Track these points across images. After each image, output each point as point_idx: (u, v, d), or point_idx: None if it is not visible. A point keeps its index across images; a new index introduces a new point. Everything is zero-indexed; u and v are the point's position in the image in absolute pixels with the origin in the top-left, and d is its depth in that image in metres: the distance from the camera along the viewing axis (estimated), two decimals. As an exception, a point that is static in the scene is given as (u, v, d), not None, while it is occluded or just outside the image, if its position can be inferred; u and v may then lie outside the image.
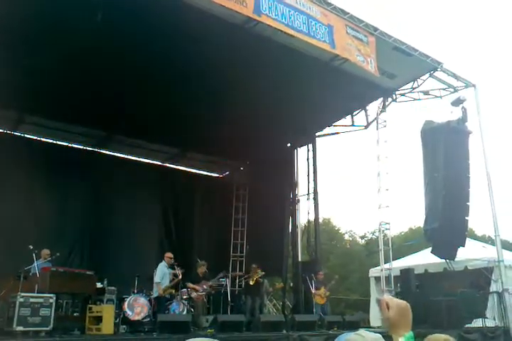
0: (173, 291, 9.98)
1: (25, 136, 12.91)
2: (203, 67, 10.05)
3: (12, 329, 6.43)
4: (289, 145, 15.48)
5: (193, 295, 9.96)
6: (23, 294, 6.70)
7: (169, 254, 10.23)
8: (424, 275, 12.89)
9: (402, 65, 11.70)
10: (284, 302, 14.32)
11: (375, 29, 10.73)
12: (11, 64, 9.24)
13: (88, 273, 8.53)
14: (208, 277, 10.28)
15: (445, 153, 11.77)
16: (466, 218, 11.93)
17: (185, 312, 9.75)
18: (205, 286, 10.06)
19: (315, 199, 14.43)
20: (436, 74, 12.45)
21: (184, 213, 15.11)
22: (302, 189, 14.95)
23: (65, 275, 7.91)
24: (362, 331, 1.80)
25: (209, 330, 8.53)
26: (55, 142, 13.36)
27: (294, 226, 14.71)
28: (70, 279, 7.89)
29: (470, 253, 12.26)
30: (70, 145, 13.62)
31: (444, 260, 11.96)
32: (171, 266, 10.11)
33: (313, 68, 11.06)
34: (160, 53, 9.75)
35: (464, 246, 11.78)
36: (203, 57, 9.80)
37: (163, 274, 9.85)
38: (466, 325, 10.52)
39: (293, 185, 14.98)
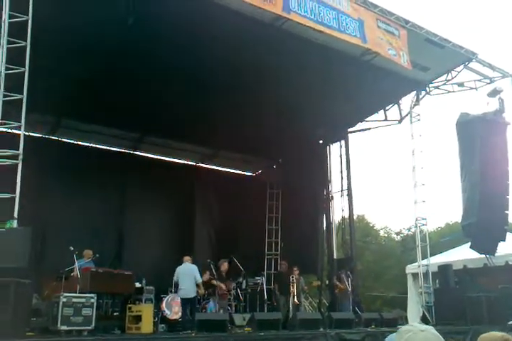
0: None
1: (62, 139, 13.18)
2: (234, 66, 10.07)
3: (57, 329, 6.61)
4: (321, 142, 15.34)
5: (220, 292, 10.08)
6: (65, 294, 6.87)
7: (188, 257, 10.25)
8: (463, 271, 12.61)
9: (435, 57, 11.46)
10: (321, 300, 14.25)
11: (407, 22, 10.55)
12: (50, 71, 9.45)
13: (127, 273, 8.65)
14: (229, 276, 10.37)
15: (482, 146, 11.48)
16: (506, 212, 11.62)
17: (221, 311, 9.83)
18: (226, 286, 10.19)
19: (349, 195, 14.29)
20: (471, 65, 12.14)
21: (218, 212, 15.20)
22: (336, 186, 14.85)
23: (104, 275, 8.06)
24: (415, 323, 1.83)
25: (246, 329, 8.55)
26: (90, 145, 13.59)
27: (329, 223, 14.59)
28: (109, 279, 8.04)
29: (511, 248, 11.94)
30: (104, 147, 13.86)
31: (483, 255, 11.69)
32: None
33: (344, 63, 10.94)
34: (191, 54, 9.79)
35: (504, 241, 11.47)
36: (233, 57, 9.83)
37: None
38: (510, 322, 10.24)
39: (326, 182, 14.87)
